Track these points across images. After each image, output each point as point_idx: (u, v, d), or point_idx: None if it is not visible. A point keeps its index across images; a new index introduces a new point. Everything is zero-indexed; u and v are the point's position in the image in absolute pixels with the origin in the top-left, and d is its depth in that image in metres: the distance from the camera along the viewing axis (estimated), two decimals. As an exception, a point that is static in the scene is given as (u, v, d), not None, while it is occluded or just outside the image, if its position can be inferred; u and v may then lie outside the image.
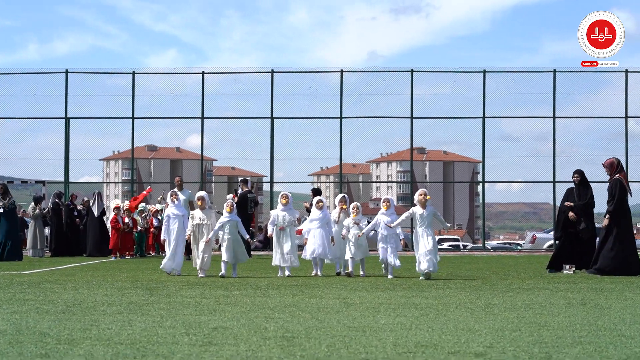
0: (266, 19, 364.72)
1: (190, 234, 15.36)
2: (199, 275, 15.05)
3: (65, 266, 19.11)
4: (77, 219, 27.11)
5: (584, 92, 34.56)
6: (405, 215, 14.89)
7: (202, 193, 15.47)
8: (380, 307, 9.41)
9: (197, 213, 15.39)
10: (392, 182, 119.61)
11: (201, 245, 15.15)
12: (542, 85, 33.19)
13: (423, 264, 14.27)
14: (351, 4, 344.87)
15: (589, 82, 34.44)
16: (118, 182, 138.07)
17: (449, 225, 15.88)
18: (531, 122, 34.49)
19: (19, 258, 22.59)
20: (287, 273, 15.31)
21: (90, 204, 26.55)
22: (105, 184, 79.18)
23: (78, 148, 34.14)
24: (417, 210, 14.56)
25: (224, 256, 15.06)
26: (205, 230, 15.20)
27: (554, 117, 32.56)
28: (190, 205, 23.64)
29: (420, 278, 14.26)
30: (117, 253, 24.83)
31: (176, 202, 16.28)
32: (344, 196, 16.09)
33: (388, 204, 15.37)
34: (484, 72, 32.79)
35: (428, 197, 14.53)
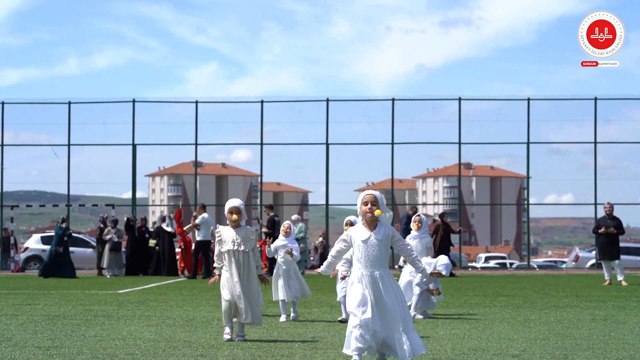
0: (306, 32, 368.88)
1: (219, 269, 9.63)
2: (227, 337, 9.54)
3: (149, 285, 21.48)
4: (150, 240, 29.50)
5: (623, 119, 36.60)
6: (338, 246, 7.48)
7: (236, 201, 9.64)
8: (437, 321, 11.64)
9: (228, 232, 9.56)
10: (439, 204, 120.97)
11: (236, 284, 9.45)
12: (585, 106, 34.98)
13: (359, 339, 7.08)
14: (392, 15, 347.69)
15: (629, 106, 36.23)
16: (188, 204, 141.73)
17: (424, 266, 7.62)
18: (577, 136, 36.48)
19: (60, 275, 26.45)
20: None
21: (165, 226, 28.89)
22: (150, 205, 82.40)
23: (122, 165, 36.54)
24: (358, 233, 7.37)
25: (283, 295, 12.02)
26: (244, 261, 9.46)
27: (595, 142, 34.49)
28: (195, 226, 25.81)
29: None
30: (186, 272, 27.11)
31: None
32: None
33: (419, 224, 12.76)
34: (528, 100, 34.78)
35: (378, 211, 7.26)
